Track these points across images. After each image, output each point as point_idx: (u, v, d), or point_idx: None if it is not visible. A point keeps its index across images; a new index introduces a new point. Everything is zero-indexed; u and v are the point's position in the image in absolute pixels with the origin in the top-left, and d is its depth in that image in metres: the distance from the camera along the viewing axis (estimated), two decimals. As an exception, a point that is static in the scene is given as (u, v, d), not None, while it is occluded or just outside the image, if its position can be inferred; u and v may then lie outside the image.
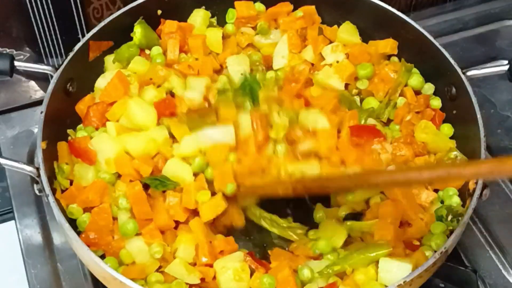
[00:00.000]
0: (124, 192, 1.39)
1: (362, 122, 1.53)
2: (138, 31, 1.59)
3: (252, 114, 1.43)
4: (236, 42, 1.67)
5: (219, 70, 1.64)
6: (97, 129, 1.50)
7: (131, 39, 1.61)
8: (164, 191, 1.41)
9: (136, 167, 1.40)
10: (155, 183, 1.40)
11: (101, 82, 1.54)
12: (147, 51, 1.61)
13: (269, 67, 1.66)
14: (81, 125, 1.53)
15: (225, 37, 1.67)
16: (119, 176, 1.44)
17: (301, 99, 1.53)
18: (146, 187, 1.41)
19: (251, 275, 1.33)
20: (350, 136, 1.46)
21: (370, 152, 1.44)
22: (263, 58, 1.67)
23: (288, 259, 1.37)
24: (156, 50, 1.59)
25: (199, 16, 1.67)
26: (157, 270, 1.36)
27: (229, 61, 1.62)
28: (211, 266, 1.35)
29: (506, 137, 1.79)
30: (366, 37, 1.68)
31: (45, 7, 1.69)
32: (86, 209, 1.40)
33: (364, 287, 1.31)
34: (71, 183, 1.44)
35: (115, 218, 1.39)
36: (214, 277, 1.34)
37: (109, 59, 1.60)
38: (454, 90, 1.55)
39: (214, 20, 1.70)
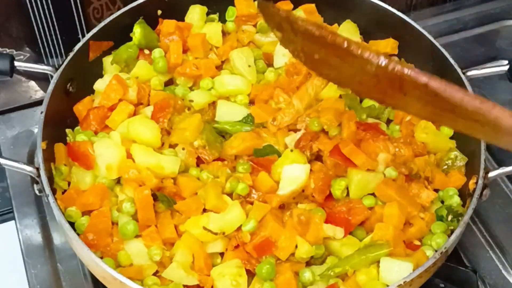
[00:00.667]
0: (129, 197, 1.39)
1: (363, 119, 1.53)
2: (138, 31, 1.59)
3: None
4: (237, 38, 1.67)
5: (219, 66, 1.64)
6: (95, 133, 1.50)
7: (131, 39, 1.61)
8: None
9: (144, 177, 1.40)
10: (162, 197, 1.39)
11: (99, 85, 1.55)
12: (146, 51, 1.61)
13: (269, 65, 1.66)
14: (78, 128, 1.53)
15: (225, 33, 1.68)
16: (118, 181, 1.44)
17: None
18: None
19: (251, 281, 1.34)
20: (356, 129, 1.46)
21: (373, 150, 1.44)
22: (264, 56, 1.66)
23: (289, 262, 1.37)
24: (158, 53, 1.59)
25: (196, 13, 1.67)
26: (153, 275, 1.35)
27: (233, 55, 1.62)
28: (208, 275, 1.34)
29: (507, 137, 1.78)
30: (366, 37, 1.68)
31: (45, 7, 1.69)
32: (85, 213, 1.40)
33: (365, 287, 1.31)
34: (69, 184, 1.44)
35: (114, 223, 1.39)
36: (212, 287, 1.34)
37: (107, 60, 1.60)
38: (454, 90, 1.55)
39: (216, 16, 1.70)
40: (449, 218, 1.41)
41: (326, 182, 1.42)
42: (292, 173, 1.41)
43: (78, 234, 1.33)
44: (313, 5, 1.69)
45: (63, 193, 1.42)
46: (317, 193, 1.41)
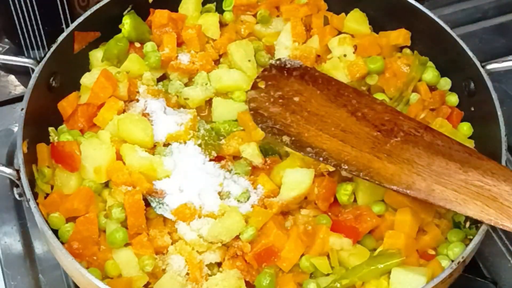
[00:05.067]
0: (119, 202, 1.39)
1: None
2: (127, 22, 1.59)
3: None
4: (235, 29, 1.67)
5: (217, 60, 1.65)
6: (81, 131, 1.50)
7: (119, 30, 1.61)
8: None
9: (135, 180, 1.40)
10: (155, 202, 1.40)
11: (87, 79, 1.54)
12: (137, 44, 1.61)
13: (272, 58, 1.66)
14: (63, 126, 1.53)
15: (222, 25, 1.68)
16: (106, 185, 1.44)
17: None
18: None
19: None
20: None
21: None
22: (265, 49, 1.67)
23: (292, 273, 1.37)
24: (150, 46, 1.59)
25: (190, 3, 1.67)
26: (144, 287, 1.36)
27: (232, 48, 1.62)
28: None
29: (529, 136, 1.79)
30: (376, 27, 1.68)
31: (26, -6, 1.70)
32: (69, 219, 1.40)
33: (375, 301, 1.32)
34: (52, 188, 1.45)
35: (101, 230, 1.39)
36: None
37: (94, 54, 1.60)
38: (472, 85, 1.56)
39: (212, 6, 1.70)
40: (467, 225, 1.40)
41: (331, 189, 1.43)
42: (295, 178, 1.42)
43: (62, 243, 1.33)
44: (318, -9, 1.70)
45: (45, 197, 1.42)
46: (320, 200, 1.41)
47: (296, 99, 1.42)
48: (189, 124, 1.49)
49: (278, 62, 1.47)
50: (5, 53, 1.66)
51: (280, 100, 1.42)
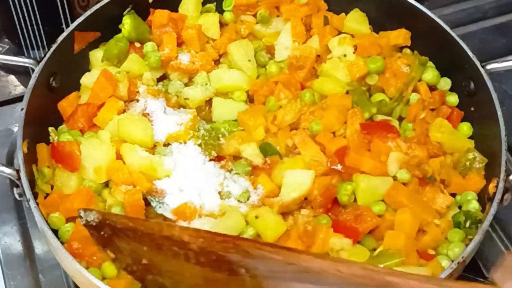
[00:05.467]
0: (119, 201, 1.39)
1: (373, 113, 1.54)
2: (127, 22, 1.60)
3: None
4: (235, 30, 1.68)
5: (217, 60, 1.65)
6: (81, 131, 1.50)
7: (119, 30, 1.61)
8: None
9: (135, 180, 1.40)
10: (155, 201, 1.40)
11: (87, 79, 1.55)
12: (137, 44, 1.61)
13: (272, 58, 1.67)
14: (63, 126, 1.53)
15: (222, 25, 1.69)
16: (106, 185, 1.44)
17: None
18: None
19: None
20: (361, 132, 1.47)
21: (384, 150, 1.44)
22: (265, 48, 1.67)
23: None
24: (150, 46, 1.60)
25: (190, 3, 1.67)
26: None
27: (232, 48, 1.62)
28: None
29: (529, 136, 1.79)
30: (376, 27, 1.68)
31: (26, -6, 1.70)
32: (69, 219, 1.40)
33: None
34: (52, 188, 1.45)
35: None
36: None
37: (94, 54, 1.61)
38: (472, 85, 1.56)
39: (212, 6, 1.71)
40: (467, 224, 1.40)
41: (331, 190, 1.43)
42: (296, 179, 1.42)
43: (61, 243, 1.33)
44: (318, -9, 1.70)
45: (45, 197, 1.42)
46: (320, 202, 1.42)
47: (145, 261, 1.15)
48: (189, 124, 1.49)
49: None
50: (5, 53, 1.66)
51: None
